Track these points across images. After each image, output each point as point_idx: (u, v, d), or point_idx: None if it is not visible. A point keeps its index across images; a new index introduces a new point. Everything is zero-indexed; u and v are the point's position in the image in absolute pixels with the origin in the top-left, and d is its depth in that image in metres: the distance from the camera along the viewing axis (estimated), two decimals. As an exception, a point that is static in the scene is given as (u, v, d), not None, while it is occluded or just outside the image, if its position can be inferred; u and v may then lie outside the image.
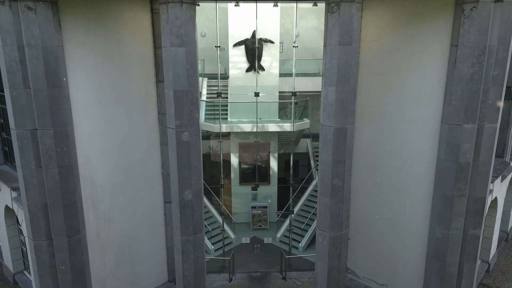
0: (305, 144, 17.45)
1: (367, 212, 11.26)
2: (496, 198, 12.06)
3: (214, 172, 17.45)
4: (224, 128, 13.87)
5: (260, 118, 13.82)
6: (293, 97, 12.69)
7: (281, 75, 14.82)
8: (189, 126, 8.61)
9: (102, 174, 9.81)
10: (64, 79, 8.46)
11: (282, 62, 15.40)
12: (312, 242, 13.89)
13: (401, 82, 9.87)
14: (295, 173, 16.12)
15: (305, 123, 14.54)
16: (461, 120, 8.74)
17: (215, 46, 12.26)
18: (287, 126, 13.90)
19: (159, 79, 10.56)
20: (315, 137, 17.13)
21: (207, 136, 17.29)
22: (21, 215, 10.68)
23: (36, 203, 8.69)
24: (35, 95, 8.13)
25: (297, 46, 12.81)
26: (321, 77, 9.01)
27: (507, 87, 12.46)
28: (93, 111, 9.34)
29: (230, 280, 12.06)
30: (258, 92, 12.45)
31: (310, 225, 14.33)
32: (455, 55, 8.58)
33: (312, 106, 17.97)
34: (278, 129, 14.05)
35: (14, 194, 10.61)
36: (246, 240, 14.01)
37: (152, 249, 11.46)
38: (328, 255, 9.54)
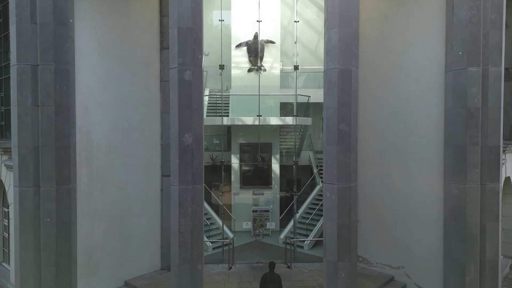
0: (307, 156, 17.07)
1: (376, 187, 10.65)
2: (510, 178, 11.50)
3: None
4: (226, 121, 13.71)
5: (260, 115, 13.76)
6: (295, 71, 12.74)
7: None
8: (191, 66, 8.51)
9: (99, 129, 9.47)
10: (71, 20, 8.60)
11: (282, 77, 15.80)
12: (318, 241, 12.85)
13: (402, 43, 10.06)
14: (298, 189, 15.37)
15: (307, 119, 14.40)
16: (465, 64, 8.72)
17: (219, 20, 12.70)
18: (289, 120, 13.78)
19: (163, 47, 10.75)
20: (317, 153, 16.85)
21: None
22: (9, 180, 10.02)
23: (27, 143, 8.23)
24: (41, 30, 8.18)
25: (298, 21, 13.27)
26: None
27: (505, 68, 12.70)
28: (95, 61, 9.33)
29: (230, 268, 10.91)
30: (261, 66, 12.53)
31: (315, 225, 13.39)
32: (452, 2, 8.87)
33: (314, 124, 17.96)
34: (280, 123, 13.90)
35: (5, 157, 10.08)
36: (247, 225, 12.96)
37: (146, 228, 10.59)
38: (337, 210, 8.75)
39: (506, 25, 12.38)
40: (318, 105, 15.52)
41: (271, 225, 13.28)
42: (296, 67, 12.94)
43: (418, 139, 9.83)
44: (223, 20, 12.90)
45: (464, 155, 8.78)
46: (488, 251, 8.84)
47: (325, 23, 8.90)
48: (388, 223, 10.40)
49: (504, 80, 10.75)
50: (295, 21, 13.13)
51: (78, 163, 8.95)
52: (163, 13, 10.67)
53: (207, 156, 16.72)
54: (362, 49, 10.45)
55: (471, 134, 8.75)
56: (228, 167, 15.35)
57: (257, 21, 12.87)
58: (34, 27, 8.18)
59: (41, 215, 8.34)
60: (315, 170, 15.84)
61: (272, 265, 8.65)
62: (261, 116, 13.65)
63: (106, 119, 9.57)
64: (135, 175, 10.27)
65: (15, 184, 8.42)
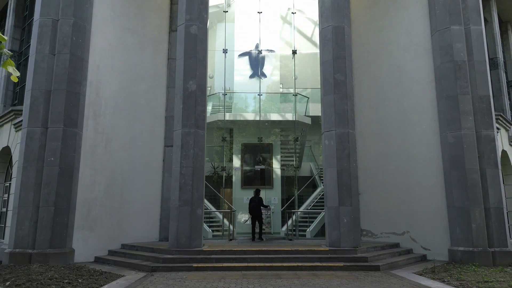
0: (309, 168, 17.18)
1: (376, 156, 10.79)
2: (507, 153, 11.63)
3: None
4: (228, 116, 14.21)
5: (261, 94, 14.33)
6: (294, 55, 13.56)
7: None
8: (198, 22, 9.33)
9: (108, 89, 9.98)
10: (91, -13, 9.64)
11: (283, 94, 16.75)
12: (321, 230, 12.48)
13: (390, 21, 10.98)
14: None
15: (307, 118, 14.83)
16: (448, 23, 9.51)
17: (223, 11, 13.94)
18: (289, 116, 14.26)
19: (172, 29, 11.72)
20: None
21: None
22: (16, 140, 10.23)
23: (40, 87, 8.73)
24: (64, -10, 9.20)
25: (295, 13, 14.39)
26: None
27: (490, 58, 13.51)
28: (109, 29, 10.17)
29: (230, 240, 10.56)
30: (261, 49, 13.48)
31: (315, 218, 13.09)
32: (431, -25, 9.96)
33: (314, 141, 18.41)
34: (280, 118, 14.36)
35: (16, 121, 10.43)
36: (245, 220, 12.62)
37: (146, 196, 10.53)
38: (336, 156, 8.87)
39: (485, 20, 13.52)
40: (317, 124, 16.13)
41: (275, 199, 13.04)
42: (294, 52, 13.90)
43: (411, 103, 10.23)
44: (226, 11, 14.14)
45: (456, 104, 9.14)
46: (492, 198, 8.74)
47: (318, -9, 9.91)
48: (391, 189, 10.34)
49: (490, 69, 11.53)
50: (292, 13, 14.44)
51: (86, 115, 9.32)
52: (173, 1, 11.84)
53: (209, 165, 16.90)
54: (354, 31, 11.42)
55: (460, 84, 9.21)
56: (230, 176, 15.45)
57: (258, 12, 14.15)
58: (58, -12, 9.20)
59: (45, 154, 8.52)
60: (314, 172, 15.93)
61: (257, 190, 11.39)
62: (261, 95, 14.21)
63: (115, 81, 10.14)
64: (138, 140, 10.53)
65: (24, 126, 8.73)
